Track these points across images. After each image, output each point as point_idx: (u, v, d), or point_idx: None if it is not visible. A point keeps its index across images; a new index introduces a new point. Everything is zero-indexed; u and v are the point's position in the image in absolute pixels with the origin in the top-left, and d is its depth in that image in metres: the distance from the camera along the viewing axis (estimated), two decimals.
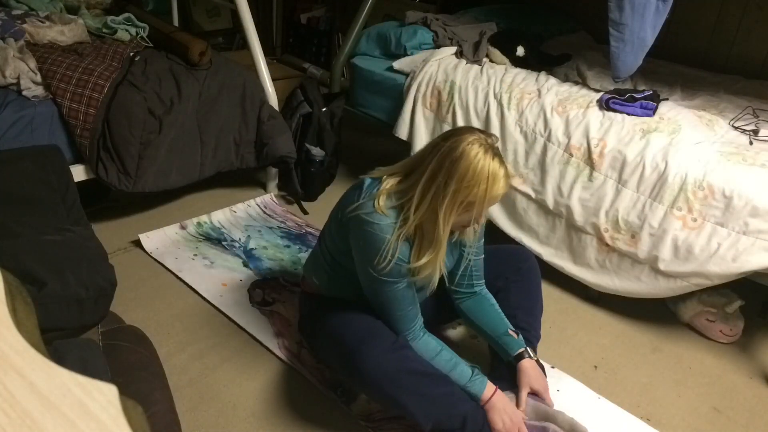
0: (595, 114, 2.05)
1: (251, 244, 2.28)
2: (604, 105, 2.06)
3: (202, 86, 2.30)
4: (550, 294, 2.16)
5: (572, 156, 2.04)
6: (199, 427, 1.52)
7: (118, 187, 2.15)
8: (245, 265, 2.16)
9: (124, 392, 0.64)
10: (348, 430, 1.56)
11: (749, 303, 1.99)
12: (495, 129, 2.22)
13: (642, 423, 1.64)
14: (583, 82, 2.28)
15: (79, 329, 1.37)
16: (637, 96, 2.06)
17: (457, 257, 1.59)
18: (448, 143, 1.33)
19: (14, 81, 2.00)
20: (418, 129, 2.43)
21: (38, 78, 2.04)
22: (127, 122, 2.09)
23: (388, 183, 1.41)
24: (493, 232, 2.30)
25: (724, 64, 2.66)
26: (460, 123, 2.31)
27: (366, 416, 1.58)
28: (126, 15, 2.55)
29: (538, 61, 2.45)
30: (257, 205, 2.57)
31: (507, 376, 1.58)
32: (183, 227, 2.32)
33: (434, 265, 1.41)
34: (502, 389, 1.52)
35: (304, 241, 2.34)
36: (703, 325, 2.00)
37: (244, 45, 3.11)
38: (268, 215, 2.51)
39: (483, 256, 1.62)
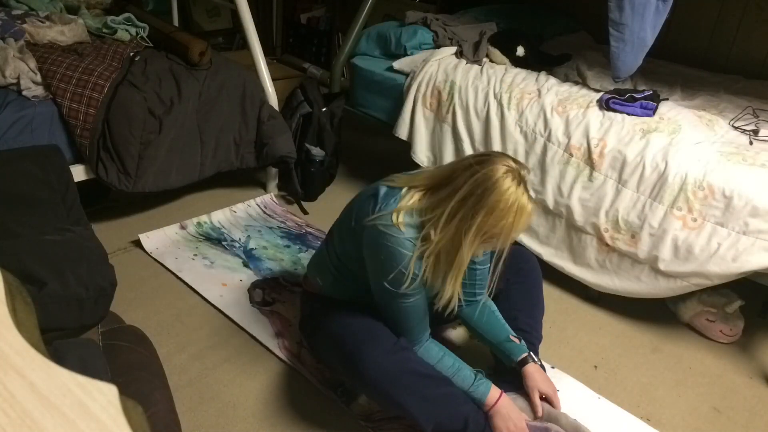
0: (595, 114, 2.05)
1: (251, 244, 2.28)
2: (604, 105, 2.06)
3: (202, 86, 2.30)
4: (550, 294, 2.15)
5: (572, 156, 2.04)
6: (199, 427, 1.52)
7: (118, 187, 2.15)
8: (245, 265, 2.16)
9: (124, 392, 0.64)
10: (348, 430, 1.56)
11: (749, 303, 1.99)
12: (495, 129, 2.22)
13: (642, 423, 1.64)
14: (583, 82, 2.28)
15: (79, 329, 1.37)
16: (637, 96, 2.06)
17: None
18: (484, 170, 1.28)
19: (14, 81, 2.00)
20: (418, 129, 2.43)
21: (38, 78, 2.04)
22: (127, 122, 2.09)
23: (412, 198, 1.37)
24: None
25: (724, 64, 2.66)
26: (460, 123, 2.31)
27: (366, 416, 1.58)
28: (126, 15, 2.55)
29: (538, 61, 2.45)
30: (257, 205, 2.57)
31: (511, 378, 1.58)
32: (183, 227, 2.32)
33: (453, 289, 1.38)
34: (507, 391, 1.51)
35: (304, 241, 2.34)
36: (703, 325, 2.00)
37: (244, 45, 3.12)
38: (268, 215, 2.51)
39: (488, 265, 1.59)
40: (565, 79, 2.33)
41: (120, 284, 1.49)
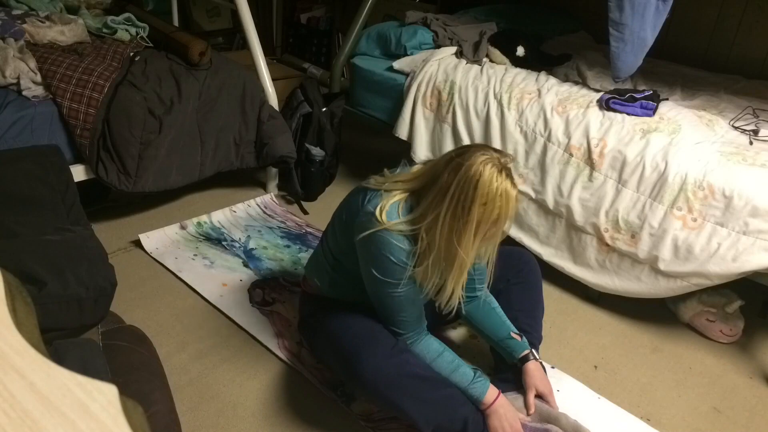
0: (595, 114, 2.05)
1: (251, 244, 2.28)
2: (604, 105, 2.06)
3: (202, 86, 2.30)
4: (550, 294, 2.16)
5: (572, 156, 2.04)
6: (199, 427, 1.52)
7: (118, 187, 2.15)
8: (245, 265, 2.16)
9: (124, 392, 0.64)
10: (348, 430, 1.56)
11: (749, 303, 1.99)
12: (495, 129, 2.22)
13: (642, 423, 1.64)
14: (583, 82, 2.28)
15: (79, 329, 1.37)
16: (637, 96, 2.06)
17: None
18: (465, 163, 1.29)
19: (14, 81, 2.00)
20: (418, 129, 2.43)
21: (38, 78, 2.04)
22: (127, 122, 2.09)
23: (395, 197, 1.38)
24: None
25: (724, 64, 2.66)
26: (460, 123, 2.31)
27: (366, 416, 1.58)
28: (126, 15, 2.55)
29: (538, 61, 2.45)
30: (257, 205, 2.57)
31: (510, 378, 1.58)
32: (183, 227, 2.32)
33: (454, 289, 1.39)
34: (506, 390, 1.52)
35: (304, 241, 2.34)
36: (703, 325, 2.00)
37: (244, 45, 3.12)
38: (268, 215, 2.51)
39: (486, 260, 1.60)
40: (565, 79, 2.33)
41: (120, 284, 1.49)
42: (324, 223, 1.64)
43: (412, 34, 2.58)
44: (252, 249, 2.26)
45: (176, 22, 3.39)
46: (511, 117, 2.18)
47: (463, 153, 1.33)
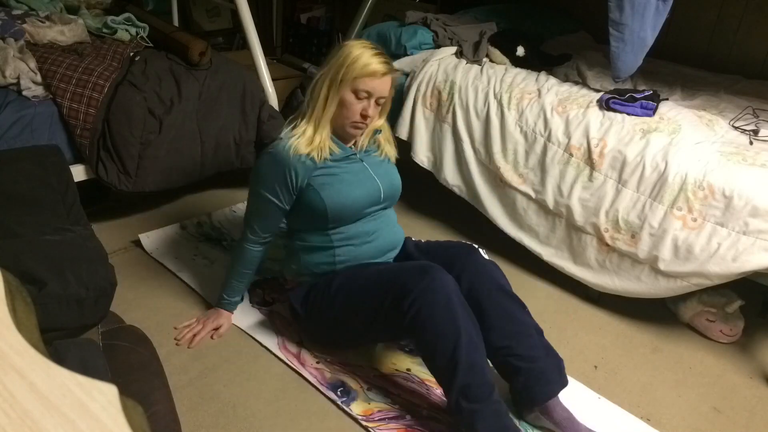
0: (595, 114, 2.05)
1: None
2: (604, 105, 2.06)
3: (202, 86, 2.30)
4: (550, 294, 2.16)
5: (572, 156, 2.04)
6: (199, 427, 1.52)
7: (118, 187, 2.15)
8: None
9: (124, 392, 0.64)
10: (348, 430, 1.56)
11: (749, 303, 1.99)
12: (495, 129, 2.22)
13: (642, 423, 1.64)
14: (583, 82, 2.28)
15: (79, 329, 1.36)
16: (637, 96, 2.06)
17: (391, 171, 1.76)
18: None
19: (14, 81, 2.00)
20: (418, 129, 2.43)
21: (38, 78, 2.04)
22: (127, 122, 2.09)
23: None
24: (493, 231, 2.30)
25: (724, 64, 2.65)
26: (460, 123, 2.31)
27: (366, 416, 1.58)
28: (126, 15, 2.55)
29: (538, 61, 2.45)
30: None
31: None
32: (183, 227, 2.32)
33: (321, 141, 1.61)
34: (530, 411, 1.56)
35: None
36: (703, 325, 2.00)
37: (244, 45, 3.11)
38: None
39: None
40: (565, 79, 2.33)
41: (120, 284, 1.49)
42: None
43: (412, 34, 2.58)
44: None
45: (176, 22, 3.38)
46: (511, 117, 2.18)
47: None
